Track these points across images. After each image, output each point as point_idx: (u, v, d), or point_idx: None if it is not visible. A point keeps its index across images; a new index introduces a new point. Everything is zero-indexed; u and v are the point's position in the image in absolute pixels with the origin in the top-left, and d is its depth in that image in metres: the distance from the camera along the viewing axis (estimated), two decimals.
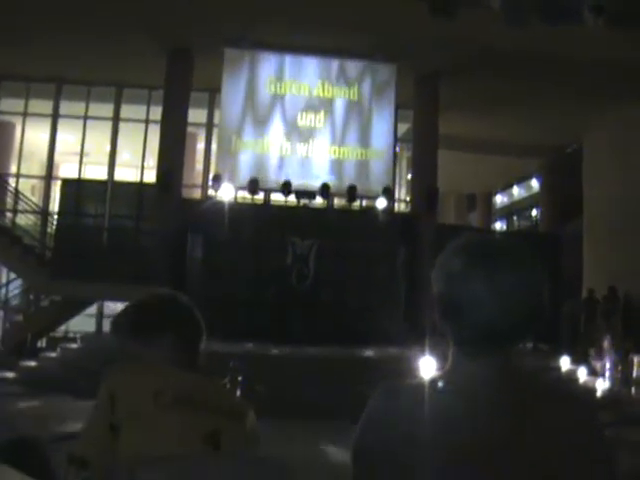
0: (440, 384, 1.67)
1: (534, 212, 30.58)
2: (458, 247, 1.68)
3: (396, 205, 21.37)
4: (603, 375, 15.33)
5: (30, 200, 21.69)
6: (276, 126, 18.80)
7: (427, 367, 9.93)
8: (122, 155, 23.55)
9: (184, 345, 2.40)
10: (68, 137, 23.15)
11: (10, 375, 14.03)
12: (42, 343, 19.74)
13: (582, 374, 14.89)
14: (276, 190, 18.33)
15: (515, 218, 33.52)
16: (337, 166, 18.84)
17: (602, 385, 14.39)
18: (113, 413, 2.10)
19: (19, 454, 2.47)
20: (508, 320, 1.59)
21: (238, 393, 6.96)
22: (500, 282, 1.59)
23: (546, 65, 16.89)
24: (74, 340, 17.16)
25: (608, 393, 13.88)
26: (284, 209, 18.46)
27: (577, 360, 15.82)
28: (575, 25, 14.82)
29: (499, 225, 33.61)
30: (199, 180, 22.51)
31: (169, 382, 2.20)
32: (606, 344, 15.89)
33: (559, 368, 15.07)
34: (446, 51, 17.01)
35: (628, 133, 19.71)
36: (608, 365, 15.47)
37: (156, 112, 19.97)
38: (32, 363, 14.64)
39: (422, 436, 1.57)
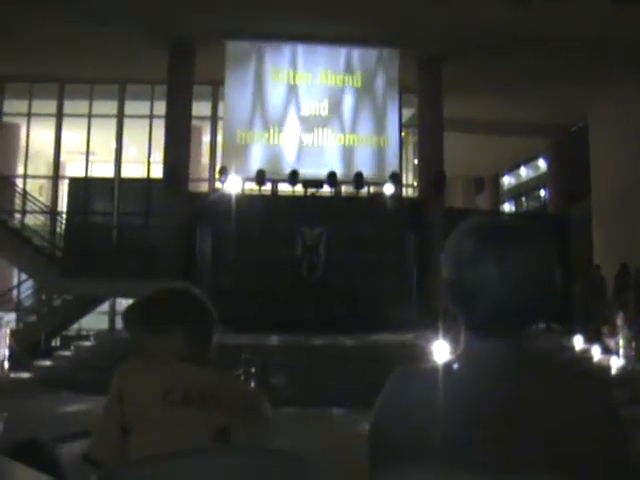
0: (454, 367, 1.67)
1: (542, 192, 30.49)
2: (467, 229, 1.67)
3: (404, 190, 21.35)
4: (617, 353, 15.29)
5: (38, 200, 21.75)
6: (281, 116, 18.80)
7: (440, 351, 9.94)
8: (128, 152, 23.56)
9: (196, 339, 2.37)
10: (73, 136, 23.16)
11: (25, 375, 14.09)
12: (56, 342, 19.81)
13: (596, 352, 14.88)
14: (283, 180, 18.32)
15: (523, 199, 33.44)
16: (344, 154, 18.83)
17: (616, 363, 14.36)
18: (122, 415, 2.10)
19: (30, 454, 2.48)
20: (519, 301, 1.59)
21: (252, 385, 6.95)
22: (510, 263, 1.58)
23: (549, 44, 16.80)
24: (87, 338, 17.22)
25: (622, 371, 13.85)
26: (292, 199, 18.45)
27: (590, 339, 15.80)
28: (578, 3, 14.78)
29: (507, 207, 33.54)
30: (206, 173, 22.52)
31: (178, 379, 2.18)
32: (619, 321, 15.84)
33: (572, 347, 15.06)
34: (448, 34, 16.98)
35: (632, 111, 19.63)
36: (622, 342, 15.42)
37: (160, 107, 19.98)
38: (47, 362, 14.71)
39: (437, 419, 1.57)
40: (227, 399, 2.22)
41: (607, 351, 15.47)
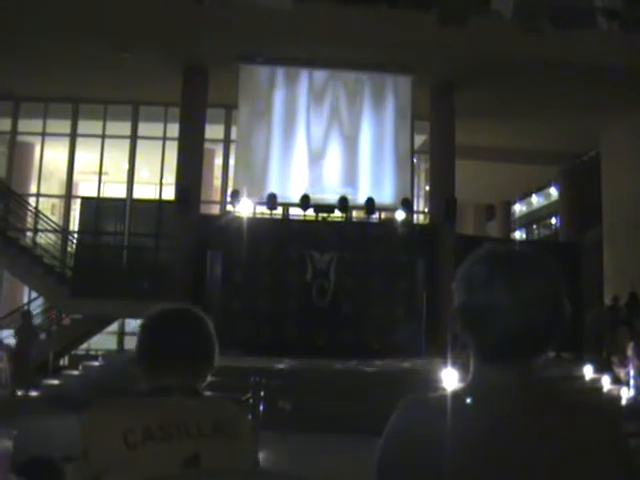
0: (463, 396, 1.67)
1: (553, 220, 30.45)
2: (479, 257, 1.68)
3: (415, 217, 21.35)
4: (627, 383, 15.19)
5: (50, 219, 21.82)
6: (294, 141, 18.82)
7: (449, 379, 9.89)
8: (140, 173, 23.67)
9: (159, 367, 2.31)
10: (86, 156, 23.29)
11: (34, 393, 14.10)
12: (64, 361, 19.82)
13: (606, 382, 14.78)
14: (295, 204, 18.35)
15: (534, 227, 33.40)
16: (355, 179, 18.83)
17: (626, 393, 14.26)
18: (90, 470, 2.07)
19: (37, 473, 2.48)
20: (530, 329, 1.59)
21: (261, 408, 6.94)
22: (522, 290, 1.59)
23: (561, 71, 16.85)
24: (96, 358, 17.22)
25: (632, 402, 13.76)
26: (303, 223, 18.49)
27: (600, 368, 15.70)
28: (589, 30, 14.81)
29: (518, 234, 33.50)
30: (217, 196, 22.58)
31: (138, 417, 2.13)
32: (630, 351, 15.75)
33: (582, 377, 14.97)
34: (461, 61, 17.06)
35: None
36: (632, 373, 15.32)
37: (173, 129, 20.08)
38: (55, 381, 14.71)
39: (445, 451, 1.56)
40: (194, 424, 2.17)
41: (617, 381, 15.37)
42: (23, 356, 15.51)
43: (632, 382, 15.10)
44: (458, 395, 1.68)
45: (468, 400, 1.64)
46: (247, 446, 2.29)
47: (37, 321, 21.89)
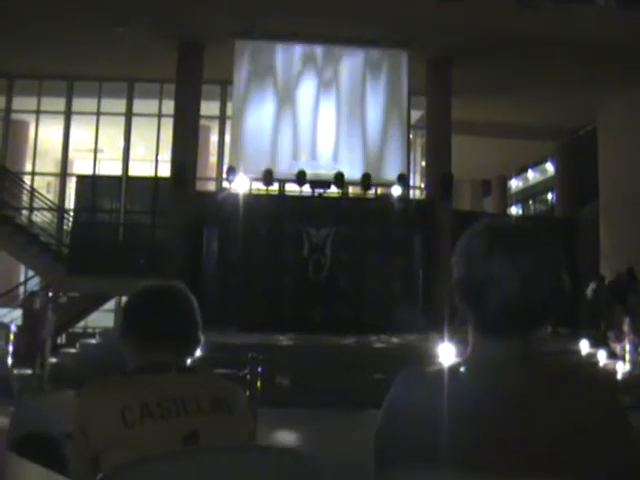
0: (461, 369, 1.67)
1: (550, 196, 30.44)
2: (479, 231, 1.68)
3: (411, 192, 21.34)
4: (623, 358, 15.25)
5: (46, 198, 21.78)
6: (290, 116, 18.77)
7: (446, 354, 9.93)
8: (136, 150, 23.60)
9: (152, 344, 2.32)
10: (82, 134, 23.21)
11: (30, 372, 14.11)
12: (62, 340, 19.83)
13: (602, 357, 14.84)
14: (291, 180, 18.32)
15: (531, 203, 33.39)
16: (352, 154, 18.81)
17: (622, 368, 14.33)
18: (89, 447, 2.06)
19: (36, 449, 2.48)
20: (529, 303, 1.59)
21: (258, 384, 6.95)
22: (521, 263, 1.59)
23: (558, 47, 16.79)
24: (93, 335, 17.24)
25: (628, 376, 13.82)
26: (299, 199, 18.46)
27: (597, 343, 15.76)
28: (586, 6, 14.75)
29: (514, 210, 33.50)
30: (213, 173, 22.54)
31: (135, 394, 2.13)
32: (626, 326, 15.80)
33: (579, 351, 15.03)
34: (458, 36, 16.97)
35: None
36: (628, 347, 15.39)
37: (168, 106, 20.02)
38: (52, 359, 14.71)
39: (444, 422, 1.56)
40: (193, 401, 2.17)
41: (613, 356, 15.44)
42: (31, 336, 15.46)
43: (628, 356, 15.17)
44: (456, 368, 1.68)
45: (466, 372, 1.65)
46: (245, 422, 2.29)
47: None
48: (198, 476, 1.75)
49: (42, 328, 15.30)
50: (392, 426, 1.68)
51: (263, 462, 1.87)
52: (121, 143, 22.52)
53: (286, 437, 7.24)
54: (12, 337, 15.28)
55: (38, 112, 22.33)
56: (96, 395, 2.17)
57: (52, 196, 22.88)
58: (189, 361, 2.39)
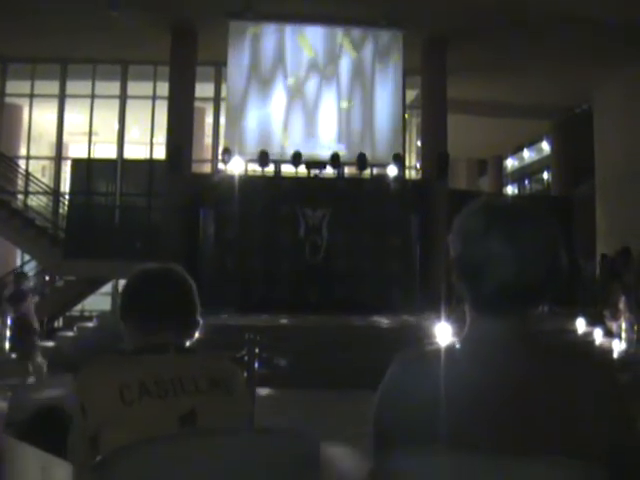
0: (457, 349, 1.67)
1: (545, 175, 30.42)
2: (476, 209, 1.68)
3: (407, 172, 21.31)
4: (619, 336, 15.29)
5: (41, 181, 21.74)
6: (285, 98, 18.74)
7: (443, 333, 9.95)
8: (131, 133, 23.54)
9: (150, 324, 2.35)
10: (76, 117, 23.12)
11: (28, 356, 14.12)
12: (59, 323, 19.86)
13: (598, 335, 14.88)
14: (286, 161, 18.29)
15: (526, 182, 33.36)
16: (347, 135, 18.80)
17: (618, 346, 14.37)
18: (88, 425, 2.08)
19: (42, 426, 2.49)
20: (526, 279, 1.59)
21: (256, 365, 6.97)
22: (518, 241, 1.59)
23: (554, 25, 16.72)
24: (90, 319, 17.24)
25: (624, 354, 13.87)
26: (295, 180, 18.44)
27: (593, 322, 15.79)
28: None
29: (510, 189, 33.47)
30: (209, 155, 22.48)
31: (134, 373, 2.16)
32: (621, 305, 15.83)
33: (575, 330, 15.07)
34: (453, 15, 16.89)
35: (637, 90, 19.53)
36: (624, 326, 15.42)
37: (163, 88, 19.93)
38: (50, 343, 14.73)
39: (441, 402, 1.56)
40: (191, 380, 2.19)
41: (609, 334, 15.48)
42: (25, 321, 15.40)
43: (623, 335, 15.21)
44: (453, 347, 1.68)
45: (462, 352, 1.65)
46: (243, 403, 2.31)
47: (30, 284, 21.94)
48: (197, 458, 1.76)
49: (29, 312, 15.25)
50: (389, 407, 1.69)
51: (263, 443, 1.88)
52: (116, 126, 22.43)
53: (284, 418, 7.27)
54: (9, 322, 15.30)
55: (32, 96, 22.22)
56: (95, 374, 2.19)
57: (47, 180, 22.84)
58: (188, 343, 2.40)
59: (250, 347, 7.04)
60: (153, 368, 2.20)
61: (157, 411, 2.09)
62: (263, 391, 7.24)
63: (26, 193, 21.20)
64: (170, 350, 2.30)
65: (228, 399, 2.23)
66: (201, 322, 2.45)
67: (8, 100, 22.38)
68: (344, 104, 18.91)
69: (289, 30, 18.94)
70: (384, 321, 15.02)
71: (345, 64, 19.03)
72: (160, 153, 20.13)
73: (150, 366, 2.21)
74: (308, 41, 18.94)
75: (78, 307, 21.26)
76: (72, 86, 21.98)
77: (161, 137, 20.50)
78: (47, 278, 21.59)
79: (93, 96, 22.02)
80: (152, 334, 2.33)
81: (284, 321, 14.42)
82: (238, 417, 2.25)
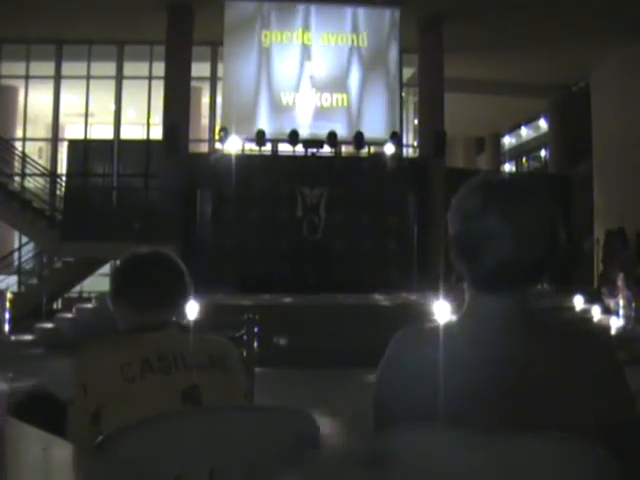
0: (456, 326, 1.67)
1: (543, 153, 30.37)
2: (474, 186, 1.67)
3: (404, 150, 21.27)
4: (617, 313, 15.34)
5: (37, 163, 21.68)
6: (281, 76, 18.69)
7: (441, 312, 9.96)
8: (127, 113, 23.46)
9: (149, 303, 2.37)
10: (72, 98, 23.05)
11: (28, 337, 14.17)
12: (57, 305, 19.87)
13: (596, 313, 14.93)
14: (283, 140, 18.26)
15: (524, 159, 33.31)
16: (343, 113, 18.76)
17: (616, 323, 14.41)
18: (89, 403, 2.10)
19: (38, 408, 2.50)
20: (524, 255, 1.59)
21: (255, 345, 6.99)
22: (516, 216, 1.59)
23: (551, 2, 16.65)
24: (89, 300, 17.26)
25: (622, 331, 13.91)
26: (292, 159, 18.43)
27: (591, 299, 15.84)
28: None
29: (508, 167, 33.41)
30: (205, 134, 22.43)
31: (134, 351, 2.18)
32: (619, 282, 15.88)
33: (573, 307, 15.11)
34: None
35: (634, 68, 19.46)
36: (622, 303, 15.47)
37: (159, 68, 19.84)
38: (49, 324, 14.76)
39: (439, 379, 1.57)
40: (191, 356, 2.22)
41: (607, 311, 15.53)
42: None
43: (621, 312, 15.26)
44: (452, 325, 1.68)
45: (461, 329, 1.65)
46: (239, 380, 2.33)
47: (29, 265, 21.97)
48: (198, 437, 1.77)
49: None
50: (389, 385, 1.69)
51: (263, 422, 1.88)
52: (112, 107, 22.37)
53: (283, 397, 7.29)
54: (8, 304, 15.33)
55: (27, 77, 22.13)
56: (95, 353, 2.22)
57: (44, 162, 22.76)
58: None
59: (249, 326, 7.05)
60: (155, 345, 2.22)
61: (159, 387, 2.12)
62: (262, 370, 7.25)
63: (23, 175, 21.14)
64: (170, 328, 2.33)
65: (226, 376, 2.25)
66: (189, 304, 2.48)
67: (3, 82, 22.32)
68: (341, 83, 18.84)
69: (284, 8, 18.85)
70: (382, 300, 15.04)
71: (341, 41, 18.95)
72: (157, 133, 20.09)
73: (152, 343, 2.23)
74: (306, 19, 18.86)
75: (77, 288, 21.25)
76: (68, 67, 21.88)
77: (157, 117, 20.46)
78: (45, 260, 21.59)
79: (89, 77, 21.93)
80: (150, 313, 2.34)
81: (282, 300, 14.44)
82: (235, 394, 2.28)
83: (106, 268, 21.18)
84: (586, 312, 14.96)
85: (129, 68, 21.97)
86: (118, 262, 2.56)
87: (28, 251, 21.58)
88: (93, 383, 2.12)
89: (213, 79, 21.68)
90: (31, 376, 7.35)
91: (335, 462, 1.78)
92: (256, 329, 7.08)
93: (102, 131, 23.82)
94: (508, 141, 33.39)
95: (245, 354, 6.61)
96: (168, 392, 2.11)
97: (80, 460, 1.62)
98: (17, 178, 21.25)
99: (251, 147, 18.35)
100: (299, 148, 18.17)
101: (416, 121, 22.00)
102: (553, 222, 1.63)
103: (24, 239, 21.14)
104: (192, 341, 2.32)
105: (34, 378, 7.36)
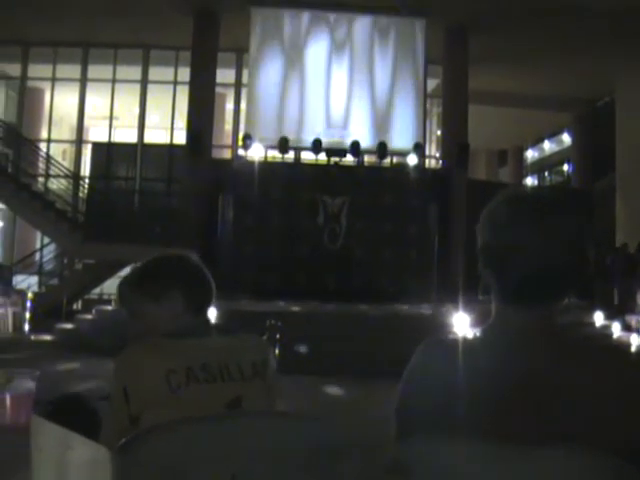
0: (482, 339, 1.67)
1: (566, 167, 30.28)
2: (504, 198, 1.68)
3: (427, 162, 21.26)
4: (637, 330, 15.23)
5: (61, 165, 21.83)
6: (306, 84, 18.71)
7: (461, 323, 9.95)
8: (151, 117, 23.59)
9: (193, 305, 2.32)
10: (97, 101, 23.22)
11: (48, 338, 14.23)
12: (77, 306, 19.97)
13: (616, 329, 14.82)
14: (306, 148, 18.30)
15: (546, 173, 33.21)
16: (368, 123, 18.76)
17: (636, 340, 14.30)
18: (130, 408, 2.08)
19: (70, 410, 2.50)
20: (552, 271, 1.59)
21: (277, 352, 7.00)
22: (545, 232, 1.58)
23: (576, 15, 16.61)
24: (109, 302, 17.33)
25: None
26: (315, 167, 18.44)
27: (611, 315, 15.73)
28: None
29: (530, 181, 33.31)
30: (229, 140, 22.52)
31: (180, 357, 2.14)
32: (639, 298, 15.78)
33: (593, 323, 15.02)
34: (475, 4, 16.83)
35: None
36: None
37: (184, 73, 19.97)
38: (68, 325, 14.82)
39: (462, 392, 1.57)
40: (235, 365, 2.19)
41: (627, 328, 15.42)
42: None
43: None
44: (477, 337, 1.68)
45: (487, 341, 1.65)
46: (276, 386, 2.33)
47: (50, 266, 22.09)
48: (230, 440, 1.76)
49: None
50: (412, 396, 1.69)
51: (294, 429, 1.88)
52: (136, 110, 22.52)
53: (305, 404, 7.29)
54: (29, 304, 15.44)
55: (53, 79, 22.34)
56: (140, 356, 2.18)
57: (68, 163, 22.93)
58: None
59: (272, 333, 7.07)
60: (198, 352, 2.18)
61: (204, 397, 2.09)
62: (282, 377, 7.25)
63: (47, 176, 21.30)
64: (211, 332, 2.31)
65: (266, 385, 2.24)
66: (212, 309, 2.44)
67: (30, 84, 22.49)
68: (365, 92, 18.85)
69: (311, 16, 18.90)
70: (402, 310, 15.00)
71: (366, 53, 18.96)
72: (180, 138, 20.19)
73: (195, 350, 2.19)
74: (329, 29, 18.90)
75: (97, 290, 21.36)
76: (93, 70, 22.06)
77: (181, 122, 20.57)
78: (66, 261, 21.71)
79: (114, 80, 22.11)
80: (194, 315, 2.31)
81: (302, 308, 14.42)
82: (273, 403, 2.27)
83: (126, 270, 21.29)
84: (606, 328, 14.85)
85: (154, 72, 22.11)
86: (146, 264, 2.47)
87: (49, 252, 21.71)
88: (136, 388, 2.09)
89: (238, 85, 21.78)
90: (55, 376, 7.38)
91: (359, 470, 1.77)
92: (278, 335, 7.10)
93: (126, 134, 23.95)
94: (531, 154, 33.30)
95: None
96: (213, 403, 2.08)
97: (106, 459, 1.63)
98: (41, 179, 21.42)
99: (274, 154, 18.39)
100: (322, 156, 18.18)
101: (439, 132, 21.98)
102: (582, 238, 1.63)
103: (46, 240, 21.28)
104: (236, 347, 2.29)
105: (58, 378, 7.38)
